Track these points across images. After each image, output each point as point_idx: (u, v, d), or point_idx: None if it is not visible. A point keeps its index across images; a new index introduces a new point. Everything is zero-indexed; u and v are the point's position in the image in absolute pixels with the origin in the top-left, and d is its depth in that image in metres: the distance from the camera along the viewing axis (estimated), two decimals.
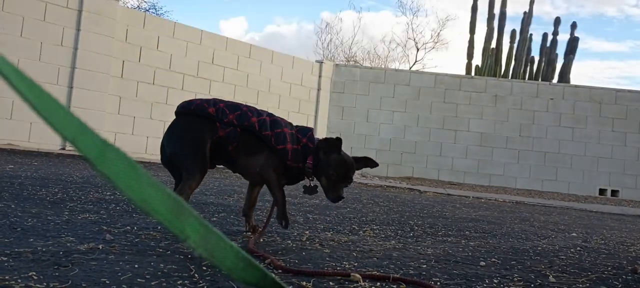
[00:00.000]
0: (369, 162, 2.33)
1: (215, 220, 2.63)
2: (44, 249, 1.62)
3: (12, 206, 2.39)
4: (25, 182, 3.43)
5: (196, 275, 1.48)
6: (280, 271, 1.62)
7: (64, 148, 7.39)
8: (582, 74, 40.80)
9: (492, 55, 13.68)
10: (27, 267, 1.40)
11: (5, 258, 1.46)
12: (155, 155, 8.43)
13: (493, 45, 13.77)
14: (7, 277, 1.29)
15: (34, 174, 4.00)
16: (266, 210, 2.82)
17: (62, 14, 7.76)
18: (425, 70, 20.73)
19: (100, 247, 1.73)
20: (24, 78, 0.52)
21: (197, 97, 2.12)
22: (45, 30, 7.61)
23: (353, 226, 2.89)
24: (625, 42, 36.79)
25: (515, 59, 13.71)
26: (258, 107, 2.35)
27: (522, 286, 1.73)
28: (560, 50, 13.89)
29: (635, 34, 35.27)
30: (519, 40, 13.77)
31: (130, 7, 17.42)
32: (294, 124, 2.36)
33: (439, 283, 1.66)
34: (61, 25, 7.75)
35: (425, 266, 1.92)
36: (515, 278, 1.84)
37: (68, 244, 1.73)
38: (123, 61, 8.37)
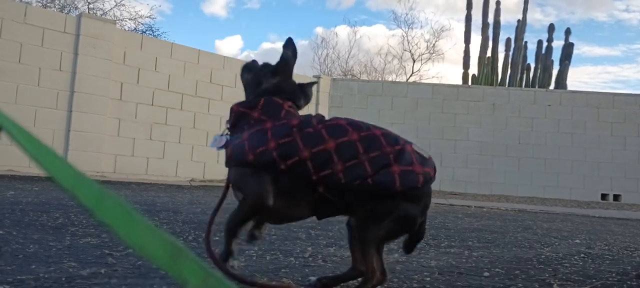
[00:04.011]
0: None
1: (217, 239, 2.62)
2: (46, 276, 1.61)
3: (14, 233, 2.39)
4: (27, 208, 3.43)
5: None
6: None
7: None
8: (577, 79, 40.99)
9: (488, 64, 13.75)
10: None
11: (7, 287, 1.46)
12: (155, 177, 8.43)
13: (489, 54, 13.86)
14: None
15: (35, 200, 4.00)
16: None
17: (60, 39, 7.81)
18: (423, 81, 20.81)
19: (103, 271, 1.72)
20: (22, 131, 0.53)
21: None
22: (44, 55, 7.66)
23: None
24: (617, 46, 37.05)
25: (511, 67, 13.78)
26: None
27: None
28: (556, 56, 13.99)
29: (626, 38, 35.51)
30: (514, 48, 13.85)
31: (127, 29, 17.54)
32: None
33: None
34: (59, 50, 7.80)
35: (428, 279, 1.92)
36: None
37: (70, 270, 1.72)
38: (121, 83, 8.40)
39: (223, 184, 1.60)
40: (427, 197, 1.52)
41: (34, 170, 7.23)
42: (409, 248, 1.60)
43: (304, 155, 1.39)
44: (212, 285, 0.56)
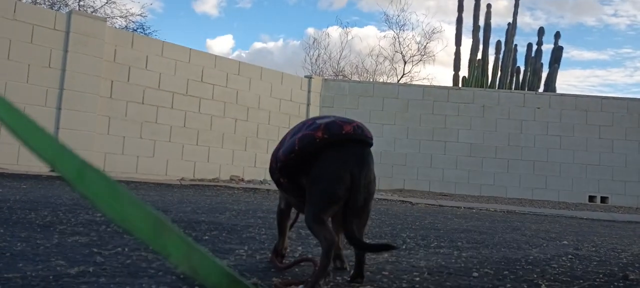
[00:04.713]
0: None
1: (207, 239, 2.62)
2: (33, 274, 1.60)
3: (1, 231, 2.36)
4: (14, 205, 3.39)
5: None
6: None
7: (53, 171, 7.32)
8: (566, 82, 41.35)
9: (478, 66, 13.83)
10: None
11: None
12: (145, 175, 8.38)
13: (479, 56, 13.93)
14: None
15: (23, 198, 3.96)
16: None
17: (49, 35, 7.74)
18: (414, 82, 20.87)
19: (91, 270, 1.71)
20: (1, 100, 0.52)
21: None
22: (33, 52, 7.58)
23: (345, 240, 2.88)
24: (605, 50, 37.37)
25: (501, 70, 13.87)
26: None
27: None
28: (545, 59, 14.10)
29: (614, 42, 35.86)
30: (504, 51, 13.95)
31: (118, 27, 17.42)
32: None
33: None
34: (49, 47, 7.73)
35: (418, 279, 1.93)
36: None
37: (58, 268, 1.71)
38: (112, 81, 8.34)
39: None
40: (334, 171, 1.61)
41: (23, 167, 7.16)
42: (345, 221, 1.65)
43: (273, 160, 1.84)
44: (195, 258, 0.56)
